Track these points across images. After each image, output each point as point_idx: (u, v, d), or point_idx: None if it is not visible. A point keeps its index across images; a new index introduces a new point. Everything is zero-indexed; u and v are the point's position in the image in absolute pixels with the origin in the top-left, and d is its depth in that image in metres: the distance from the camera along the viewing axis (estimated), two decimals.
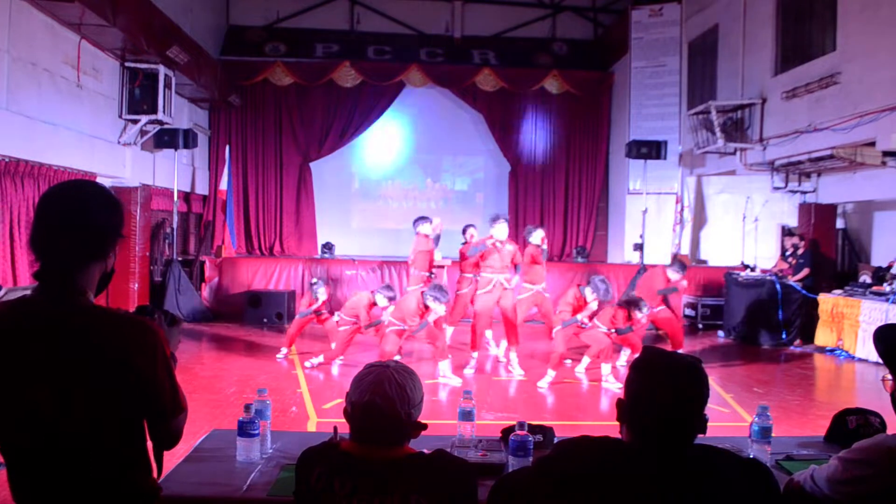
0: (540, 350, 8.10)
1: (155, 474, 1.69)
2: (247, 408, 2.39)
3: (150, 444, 1.65)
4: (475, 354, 7.43)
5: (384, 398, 1.60)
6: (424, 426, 1.69)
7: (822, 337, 8.80)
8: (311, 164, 13.40)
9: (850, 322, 8.34)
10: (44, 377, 1.48)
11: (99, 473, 1.54)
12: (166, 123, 9.48)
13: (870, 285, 8.58)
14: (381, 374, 1.65)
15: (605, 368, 6.77)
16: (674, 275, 7.71)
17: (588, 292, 6.73)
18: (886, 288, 8.15)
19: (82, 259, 1.56)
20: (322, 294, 7.71)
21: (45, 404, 1.48)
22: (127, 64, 8.99)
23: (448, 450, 2.41)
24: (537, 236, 7.52)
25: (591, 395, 6.54)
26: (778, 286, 9.12)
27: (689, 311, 10.63)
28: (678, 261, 8.08)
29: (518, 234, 13.48)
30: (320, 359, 7.24)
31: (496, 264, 7.31)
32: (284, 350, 7.74)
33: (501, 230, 7.25)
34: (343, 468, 1.58)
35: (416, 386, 1.69)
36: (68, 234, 1.54)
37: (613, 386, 6.55)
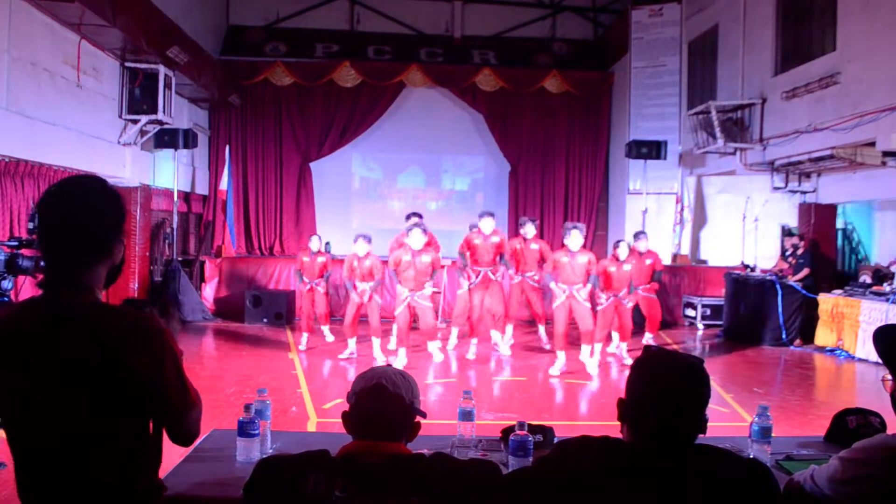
0: (534, 343, 8.24)
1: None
2: (247, 408, 2.39)
3: (150, 441, 1.65)
4: (474, 340, 7.81)
5: (391, 382, 1.68)
6: (424, 414, 1.74)
7: (822, 337, 8.80)
8: (311, 164, 13.39)
9: (850, 322, 8.33)
10: (51, 377, 1.48)
11: (104, 472, 1.54)
12: (166, 123, 9.47)
13: (870, 285, 8.58)
14: (382, 369, 1.74)
15: (585, 351, 6.98)
16: (642, 244, 8.25)
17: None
18: (886, 288, 8.15)
19: (88, 258, 1.56)
20: (313, 243, 8.30)
21: (53, 404, 1.49)
22: (127, 64, 8.98)
23: (448, 450, 2.42)
24: (527, 230, 8.09)
25: (591, 395, 6.54)
26: (778, 286, 9.12)
27: (689, 311, 10.63)
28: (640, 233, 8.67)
29: (518, 236, 13.54)
30: (350, 348, 7.56)
31: (481, 257, 7.72)
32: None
33: (486, 224, 7.73)
34: (344, 471, 1.56)
35: (411, 380, 1.76)
36: (72, 235, 1.54)
37: (592, 367, 6.89)
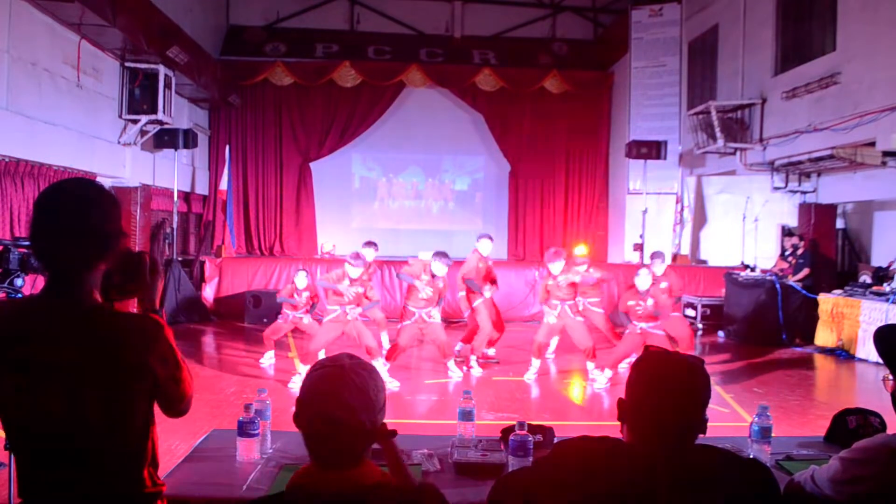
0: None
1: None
2: (247, 408, 2.39)
3: (150, 441, 1.65)
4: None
5: (344, 409, 1.36)
6: (393, 433, 1.54)
7: (822, 337, 8.80)
8: (311, 164, 13.41)
9: (850, 322, 8.33)
10: (52, 378, 1.48)
11: (105, 471, 1.55)
12: (166, 123, 9.48)
13: (870, 285, 8.57)
14: (338, 378, 1.39)
15: (590, 365, 6.89)
16: (659, 268, 7.30)
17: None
18: (886, 288, 8.15)
19: (88, 263, 1.56)
20: (301, 280, 7.32)
21: (54, 405, 1.49)
22: (127, 64, 8.99)
23: (448, 449, 2.41)
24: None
25: (591, 395, 6.54)
26: (778, 286, 9.12)
27: (689, 311, 10.63)
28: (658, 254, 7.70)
29: (518, 236, 13.56)
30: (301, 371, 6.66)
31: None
32: (270, 353, 7.30)
33: (485, 246, 7.60)
34: None
35: (379, 386, 1.44)
36: (71, 240, 1.54)
37: (602, 379, 6.70)
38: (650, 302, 6.53)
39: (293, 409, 1.41)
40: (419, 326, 6.88)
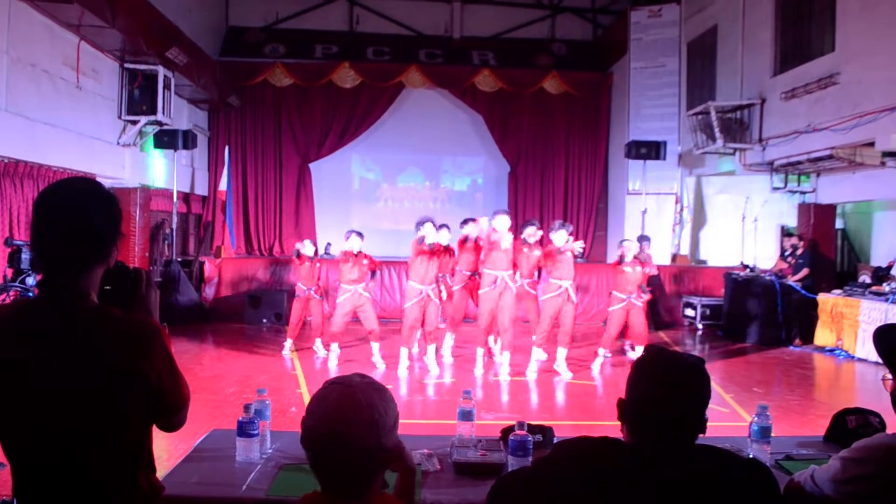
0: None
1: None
2: (246, 408, 2.39)
3: (147, 442, 1.65)
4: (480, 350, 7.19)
5: (347, 424, 1.32)
6: (397, 453, 1.44)
7: (822, 337, 8.80)
8: (311, 165, 13.41)
9: (849, 322, 8.34)
10: (49, 381, 1.47)
11: (102, 473, 1.54)
12: (165, 124, 9.48)
13: (869, 285, 8.58)
14: (345, 395, 1.36)
15: (561, 353, 7.00)
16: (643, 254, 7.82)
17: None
18: (886, 288, 8.16)
19: (87, 261, 1.55)
20: (306, 248, 7.94)
21: (50, 408, 1.48)
22: (126, 65, 9.00)
23: (448, 449, 2.41)
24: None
25: (590, 395, 6.54)
26: (777, 286, 9.13)
27: (688, 311, 10.63)
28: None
29: (517, 236, 13.54)
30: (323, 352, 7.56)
31: (497, 261, 7.11)
32: (289, 342, 7.92)
33: (502, 222, 7.15)
34: None
35: (389, 407, 1.40)
36: (70, 239, 1.53)
37: (566, 374, 6.88)
38: (637, 269, 7.24)
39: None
40: (421, 305, 7.07)
